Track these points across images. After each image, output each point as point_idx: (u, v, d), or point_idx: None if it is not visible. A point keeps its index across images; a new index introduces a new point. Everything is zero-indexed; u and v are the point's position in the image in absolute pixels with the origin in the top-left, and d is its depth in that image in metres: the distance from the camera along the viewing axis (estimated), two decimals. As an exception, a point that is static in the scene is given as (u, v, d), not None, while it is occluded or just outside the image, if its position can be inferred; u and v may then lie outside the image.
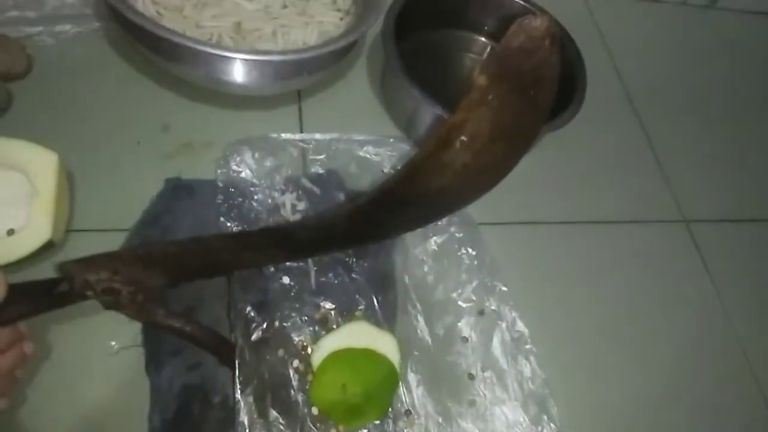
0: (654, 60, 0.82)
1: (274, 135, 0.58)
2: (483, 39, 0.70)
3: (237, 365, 0.43)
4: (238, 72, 0.53)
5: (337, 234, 0.45)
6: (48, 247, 0.45)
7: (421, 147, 0.36)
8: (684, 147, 0.73)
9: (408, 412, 0.46)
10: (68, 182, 0.50)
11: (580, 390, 0.52)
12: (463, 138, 0.34)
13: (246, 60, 0.52)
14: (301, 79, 0.57)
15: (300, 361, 0.46)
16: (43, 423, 0.41)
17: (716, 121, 0.78)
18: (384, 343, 0.48)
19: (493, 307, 0.53)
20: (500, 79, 0.33)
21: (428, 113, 0.57)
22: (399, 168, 0.39)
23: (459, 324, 0.52)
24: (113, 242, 0.47)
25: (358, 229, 0.45)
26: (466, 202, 0.42)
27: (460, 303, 0.53)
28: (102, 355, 0.44)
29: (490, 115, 0.33)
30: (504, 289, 0.54)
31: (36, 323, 0.38)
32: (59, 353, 0.44)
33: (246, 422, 0.42)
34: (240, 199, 0.52)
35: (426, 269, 0.54)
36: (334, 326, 0.48)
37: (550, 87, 0.35)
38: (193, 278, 0.42)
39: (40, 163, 0.46)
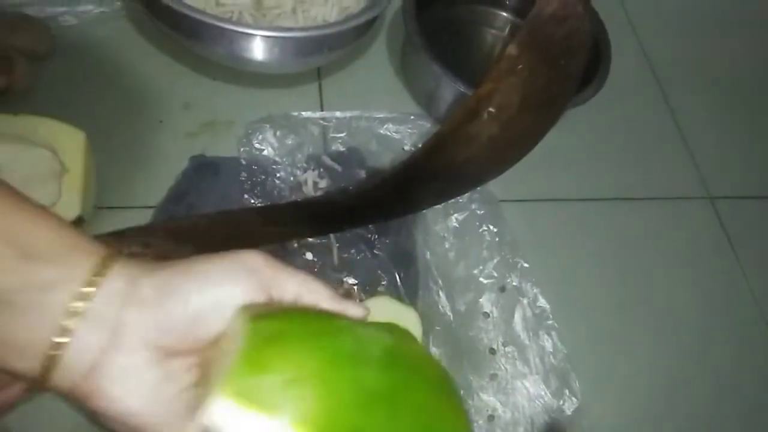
0: (678, 33, 0.81)
1: (295, 113, 0.58)
2: (505, 14, 0.69)
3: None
4: (258, 49, 0.53)
5: (363, 208, 0.45)
6: (78, 223, 0.46)
7: (447, 119, 0.36)
8: (709, 122, 0.72)
9: (430, 386, 0.47)
10: (94, 160, 0.51)
11: (602, 365, 0.52)
12: (491, 109, 0.34)
13: (266, 37, 0.52)
14: (321, 56, 0.57)
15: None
16: (64, 407, 0.42)
17: (742, 96, 0.76)
18: (406, 319, 0.48)
19: (514, 283, 0.53)
20: (531, 48, 0.32)
21: (449, 90, 0.57)
22: (425, 141, 0.39)
23: (480, 300, 0.52)
24: (140, 219, 0.48)
25: (384, 203, 0.45)
26: (493, 174, 0.42)
27: (481, 279, 0.53)
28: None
29: (519, 85, 0.33)
30: (525, 265, 0.54)
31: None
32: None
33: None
34: (263, 177, 0.53)
35: (447, 246, 0.54)
36: (357, 302, 0.48)
37: (581, 56, 0.34)
38: (219, 252, 0.42)
39: (68, 141, 0.47)
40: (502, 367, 0.49)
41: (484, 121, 0.35)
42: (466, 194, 0.55)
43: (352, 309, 0.28)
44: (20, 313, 0.24)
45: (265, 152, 0.54)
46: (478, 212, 0.56)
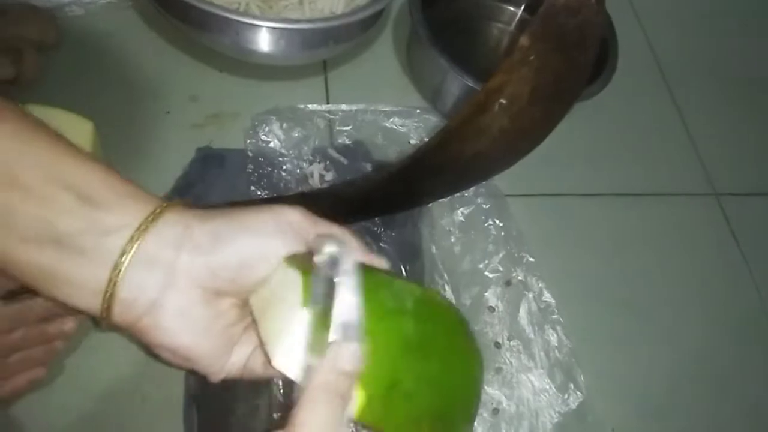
0: (685, 29, 0.80)
1: (301, 106, 0.58)
2: (511, 8, 0.69)
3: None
4: (265, 41, 0.53)
5: (370, 201, 0.45)
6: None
7: (457, 111, 0.36)
8: (715, 119, 0.72)
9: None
10: (101, 150, 0.51)
11: (607, 359, 0.52)
12: (502, 101, 0.34)
13: (273, 28, 0.52)
14: (328, 48, 0.57)
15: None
16: (78, 394, 0.42)
17: (748, 92, 0.76)
18: None
19: (520, 278, 0.53)
20: (543, 39, 0.32)
21: (455, 83, 0.57)
22: (434, 133, 0.39)
23: (486, 294, 0.52)
24: (146, 210, 0.48)
25: (390, 196, 0.45)
26: (502, 167, 0.42)
27: (486, 273, 0.53)
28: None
29: (530, 76, 0.33)
30: (531, 260, 0.54)
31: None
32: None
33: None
34: (269, 169, 0.53)
35: (453, 240, 0.54)
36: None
37: (593, 47, 0.34)
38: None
39: (76, 131, 0.47)
40: (507, 361, 0.49)
41: (494, 113, 0.35)
42: (472, 188, 0.55)
43: (378, 260, 0.31)
44: (81, 255, 0.25)
45: (271, 144, 0.54)
46: (484, 206, 0.56)
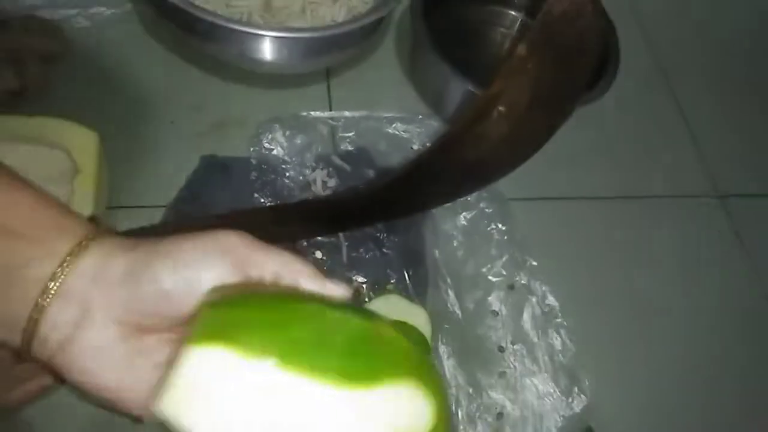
0: (687, 31, 0.80)
1: (304, 113, 0.59)
2: (513, 13, 0.69)
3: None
4: (267, 50, 0.53)
5: (373, 206, 0.45)
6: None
7: (457, 119, 0.37)
8: (718, 120, 0.72)
9: (439, 384, 0.47)
10: (106, 160, 0.51)
11: (612, 363, 0.52)
12: (501, 108, 0.34)
13: (276, 37, 0.52)
14: (330, 56, 0.58)
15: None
16: (83, 401, 0.42)
17: (752, 94, 0.76)
18: (415, 317, 0.48)
19: (523, 282, 0.53)
20: (541, 47, 0.33)
21: (458, 89, 0.57)
22: (434, 140, 0.39)
23: (489, 298, 0.52)
24: (151, 218, 0.49)
25: (393, 202, 0.45)
26: (502, 173, 0.42)
27: (490, 277, 0.53)
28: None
29: (529, 84, 0.33)
30: (534, 263, 0.54)
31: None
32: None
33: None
34: (273, 176, 0.53)
35: (456, 244, 0.54)
36: (366, 300, 0.49)
37: (592, 54, 0.35)
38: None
39: (81, 142, 0.47)
40: (511, 365, 0.50)
41: (493, 120, 0.35)
42: (475, 193, 0.56)
43: (332, 289, 0.27)
44: (0, 288, 0.24)
45: (274, 152, 0.55)
46: (487, 211, 0.56)
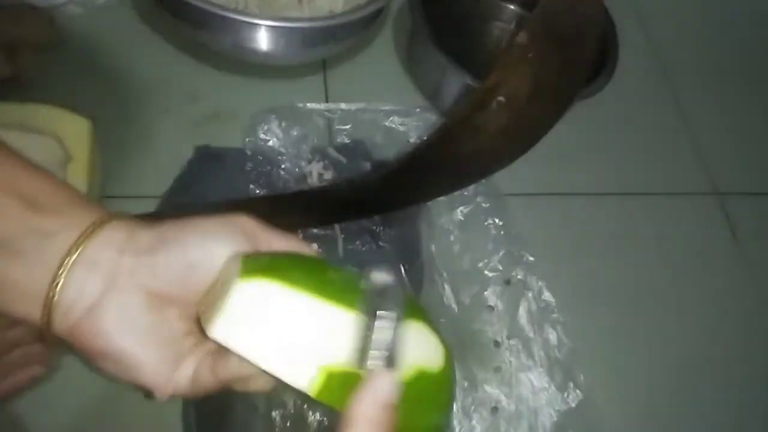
0: (687, 27, 0.80)
1: (300, 105, 0.58)
2: (512, 6, 0.69)
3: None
4: (264, 40, 0.53)
5: (369, 198, 0.45)
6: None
7: (455, 109, 0.36)
8: (717, 117, 0.71)
9: (434, 378, 0.47)
10: (99, 149, 0.51)
11: (607, 359, 0.52)
12: (500, 99, 0.34)
13: (272, 27, 0.52)
14: (327, 47, 0.57)
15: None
16: (76, 391, 0.42)
17: (752, 91, 0.76)
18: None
19: (519, 277, 0.53)
20: (541, 36, 0.32)
21: (455, 82, 0.57)
22: (432, 131, 0.39)
23: (485, 293, 0.52)
24: (145, 208, 0.48)
25: (390, 194, 0.45)
26: (500, 165, 0.42)
27: (486, 272, 0.53)
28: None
29: (529, 74, 0.33)
30: (531, 259, 0.54)
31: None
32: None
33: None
34: (268, 168, 0.53)
35: (452, 238, 0.54)
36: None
37: (592, 44, 0.34)
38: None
39: (74, 130, 0.47)
40: (507, 360, 0.49)
41: (492, 111, 0.35)
42: (471, 187, 0.55)
43: None
44: (23, 259, 0.25)
45: (270, 143, 0.54)
46: (484, 205, 0.56)
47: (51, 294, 0.25)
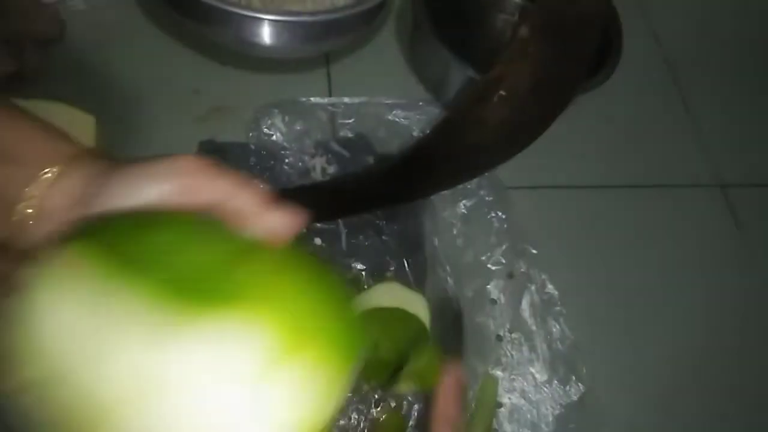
0: (691, 17, 0.79)
1: (303, 99, 0.58)
2: (515, -1, 0.69)
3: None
4: (267, 34, 0.53)
5: (373, 192, 0.45)
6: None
7: (456, 103, 0.36)
8: (721, 109, 0.71)
9: (437, 371, 0.47)
10: (103, 144, 0.51)
11: (610, 352, 0.52)
12: (502, 92, 0.34)
13: (275, 21, 0.52)
14: (330, 41, 0.57)
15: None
16: None
17: (756, 82, 0.75)
18: (414, 304, 0.48)
19: (522, 270, 0.53)
20: (542, 29, 0.32)
21: (458, 75, 0.57)
22: (434, 125, 0.39)
23: (488, 286, 0.52)
24: (149, 203, 0.48)
25: (393, 188, 0.45)
26: (502, 159, 0.42)
27: (489, 266, 0.53)
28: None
29: (530, 68, 0.33)
30: (534, 252, 0.54)
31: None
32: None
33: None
34: (272, 162, 0.53)
35: (455, 232, 0.54)
36: (365, 287, 0.48)
37: (594, 38, 0.34)
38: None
39: (78, 125, 0.47)
40: (509, 354, 0.50)
41: (494, 104, 0.35)
42: (474, 181, 0.55)
43: (271, 220, 0.25)
44: None
45: (273, 138, 0.54)
46: (487, 199, 0.56)
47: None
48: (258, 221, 0.24)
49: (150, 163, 0.25)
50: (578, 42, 0.34)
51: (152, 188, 0.24)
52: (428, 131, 0.39)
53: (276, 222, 0.25)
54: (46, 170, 0.25)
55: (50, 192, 0.25)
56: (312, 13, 0.54)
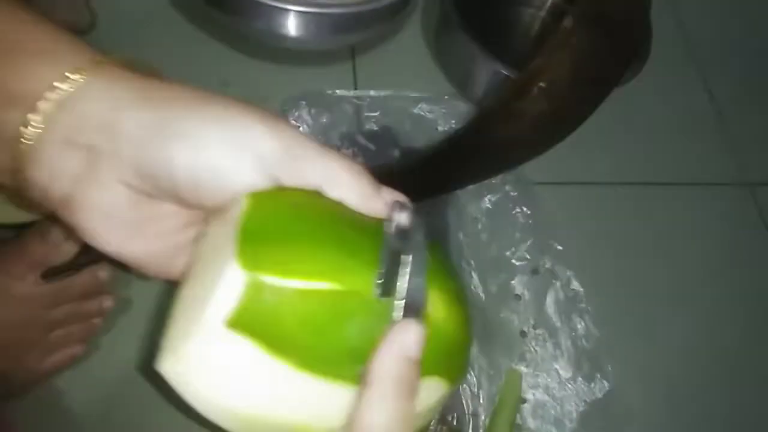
0: (720, 14, 0.78)
1: (329, 91, 0.58)
2: (543, -8, 0.68)
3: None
4: (294, 25, 0.53)
5: (403, 185, 0.45)
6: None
7: (496, 95, 0.36)
8: (749, 106, 0.70)
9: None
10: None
11: (635, 349, 0.52)
12: (542, 84, 0.34)
13: (303, 13, 0.51)
14: (356, 33, 0.57)
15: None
16: (112, 371, 0.43)
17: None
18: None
19: (547, 266, 0.53)
20: (585, 21, 0.32)
21: (485, 70, 0.56)
22: (472, 117, 0.39)
23: (512, 282, 0.52)
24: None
25: (425, 180, 0.45)
26: (538, 152, 0.41)
27: (513, 261, 0.53)
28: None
29: (571, 59, 0.33)
30: (559, 248, 0.53)
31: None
32: (138, 306, 0.45)
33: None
34: (298, 154, 0.53)
35: (480, 227, 0.54)
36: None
37: (638, 30, 0.34)
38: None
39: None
40: (533, 350, 0.49)
41: (533, 96, 0.34)
42: (500, 176, 0.55)
43: (381, 206, 0.23)
44: None
45: (300, 130, 0.55)
46: (512, 194, 0.55)
47: (21, 169, 0.22)
48: (369, 206, 0.23)
49: (222, 131, 0.22)
50: (620, 36, 0.34)
51: (227, 166, 0.21)
52: (464, 123, 0.39)
53: (379, 213, 0.23)
54: (74, 69, 0.22)
55: (66, 115, 0.21)
56: (339, 5, 0.54)
